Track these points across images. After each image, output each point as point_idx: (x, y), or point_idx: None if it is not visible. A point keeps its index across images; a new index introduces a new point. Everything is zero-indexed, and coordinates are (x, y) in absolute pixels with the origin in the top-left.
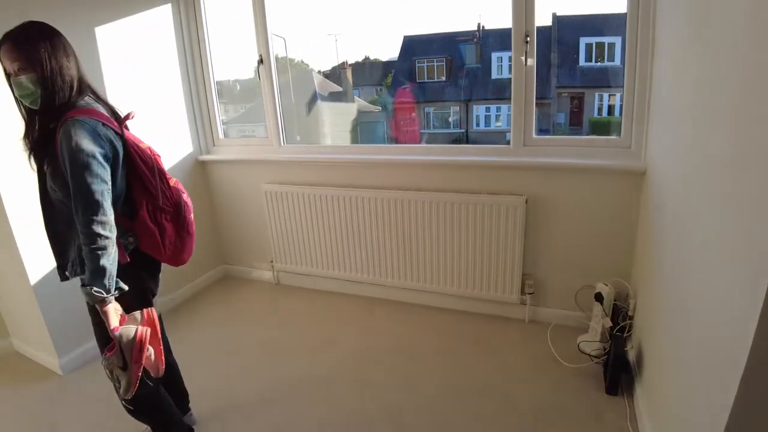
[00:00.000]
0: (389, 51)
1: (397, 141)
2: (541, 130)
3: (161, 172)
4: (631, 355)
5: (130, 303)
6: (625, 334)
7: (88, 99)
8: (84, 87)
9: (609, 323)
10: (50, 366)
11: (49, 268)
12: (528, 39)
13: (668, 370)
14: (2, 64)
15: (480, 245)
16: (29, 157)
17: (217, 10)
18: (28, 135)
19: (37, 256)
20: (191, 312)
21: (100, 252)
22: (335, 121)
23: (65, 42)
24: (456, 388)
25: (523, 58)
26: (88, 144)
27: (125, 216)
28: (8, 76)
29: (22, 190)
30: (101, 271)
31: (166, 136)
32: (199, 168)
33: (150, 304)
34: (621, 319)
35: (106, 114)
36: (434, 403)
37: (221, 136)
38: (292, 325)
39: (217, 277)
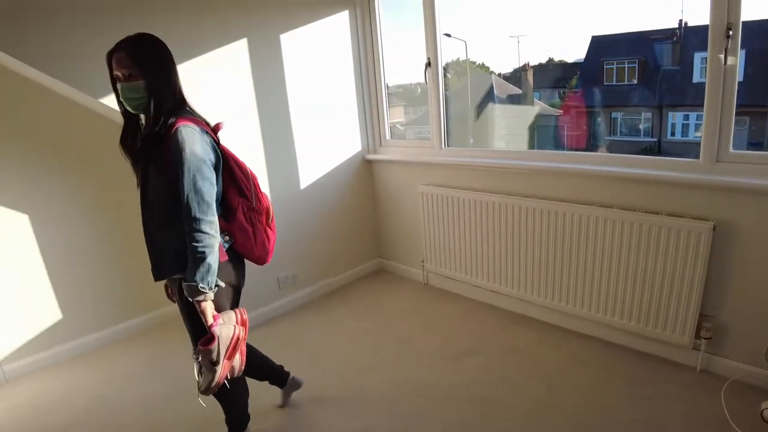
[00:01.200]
0: (575, 52)
1: (566, 147)
2: (752, 144)
3: (253, 177)
4: None
5: (221, 301)
6: None
7: (188, 109)
8: (184, 98)
9: None
10: None
11: None
12: (730, 33)
13: None
14: (113, 69)
15: (650, 273)
16: (130, 160)
17: (396, 14)
18: (126, 139)
19: None
20: (342, 298)
21: (207, 250)
22: (511, 125)
23: (172, 55)
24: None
25: (722, 56)
26: (199, 150)
27: (221, 217)
28: (117, 79)
29: None
30: (206, 268)
31: (337, 134)
32: (366, 166)
33: (237, 303)
34: None
35: (206, 124)
36: None
37: (388, 136)
38: (433, 329)
39: (372, 270)
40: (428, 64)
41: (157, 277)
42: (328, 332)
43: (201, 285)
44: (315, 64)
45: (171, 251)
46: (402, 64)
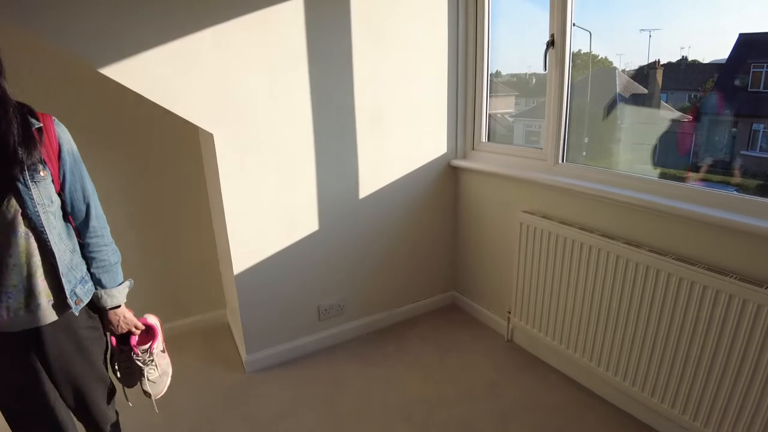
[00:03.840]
0: (715, 51)
1: (690, 158)
2: None
3: None
4: None
5: None
6: None
7: None
8: None
9: None
10: (240, 355)
11: (253, 261)
12: None
13: None
14: None
15: None
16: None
17: None
18: None
19: (244, 248)
20: (399, 341)
21: (114, 246)
22: (634, 130)
23: None
24: None
25: None
26: None
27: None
28: None
29: (239, 184)
30: (120, 265)
31: (416, 131)
32: (450, 174)
33: None
34: None
35: None
36: None
37: (484, 138)
38: (507, 419)
39: (443, 304)
40: (551, 43)
41: (66, 307)
42: (366, 391)
43: (126, 283)
44: (395, 38)
45: (77, 270)
46: (520, 49)
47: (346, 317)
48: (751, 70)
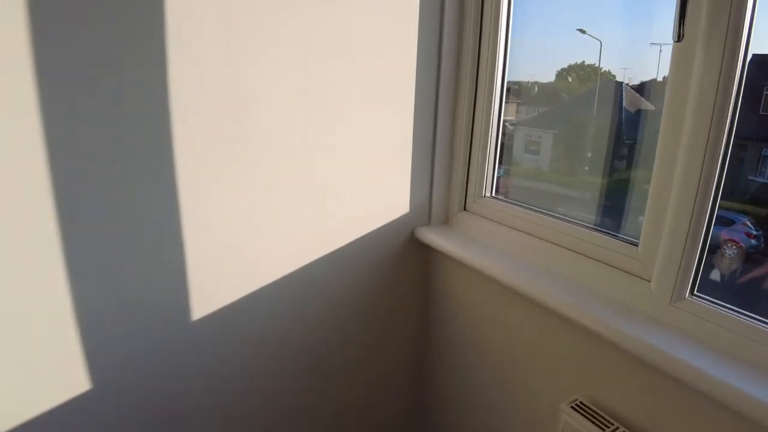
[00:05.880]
0: None
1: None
2: None
3: None
4: None
5: None
6: None
7: None
8: None
9: None
10: None
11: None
12: None
13: None
14: None
15: None
16: None
17: None
18: None
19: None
20: None
21: None
22: (641, 147)
23: None
24: None
25: None
26: None
27: None
28: None
29: None
30: None
31: (340, 164)
32: (414, 250)
33: None
34: None
35: None
36: None
37: (488, 191)
38: None
39: None
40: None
41: None
42: None
43: None
44: (325, 25)
45: None
46: (521, 56)
47: None
48: (764, 92)
